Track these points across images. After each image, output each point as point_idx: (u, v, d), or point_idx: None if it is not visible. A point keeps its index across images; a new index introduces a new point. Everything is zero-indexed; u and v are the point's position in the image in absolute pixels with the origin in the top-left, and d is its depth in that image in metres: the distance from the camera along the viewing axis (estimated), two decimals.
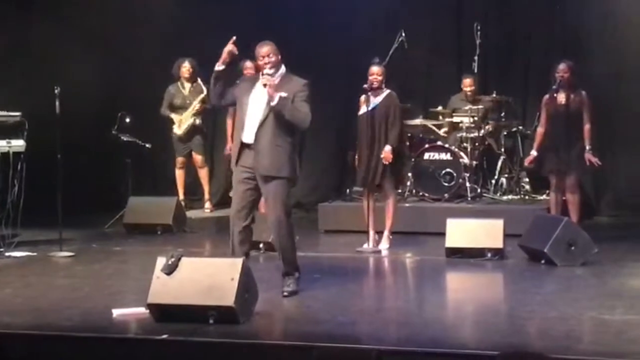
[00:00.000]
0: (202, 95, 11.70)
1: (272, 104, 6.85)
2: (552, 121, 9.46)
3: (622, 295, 7.02)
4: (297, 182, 7.27)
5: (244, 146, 6.99)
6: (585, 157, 9.28)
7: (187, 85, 11.89)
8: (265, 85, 6.88)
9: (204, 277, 6.17)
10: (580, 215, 9.49)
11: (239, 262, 6.25)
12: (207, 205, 12.16)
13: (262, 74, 6.95)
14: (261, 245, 8.75)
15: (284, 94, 6.87)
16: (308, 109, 6.96)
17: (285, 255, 7.07)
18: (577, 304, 6.75)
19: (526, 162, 9.86)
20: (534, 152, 9.63)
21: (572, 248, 8.26)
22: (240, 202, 7.03)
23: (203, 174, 12.11)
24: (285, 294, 7.01)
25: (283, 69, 7.08)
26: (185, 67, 11.82)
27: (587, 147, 9.29)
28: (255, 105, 6.98)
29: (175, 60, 11.86)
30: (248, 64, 10.45)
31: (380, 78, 9.08)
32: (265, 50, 6.99)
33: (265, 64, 6.97)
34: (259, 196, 7.11)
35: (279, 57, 7.04)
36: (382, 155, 8.96)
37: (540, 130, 9.61)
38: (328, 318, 6.45)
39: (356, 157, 9.34)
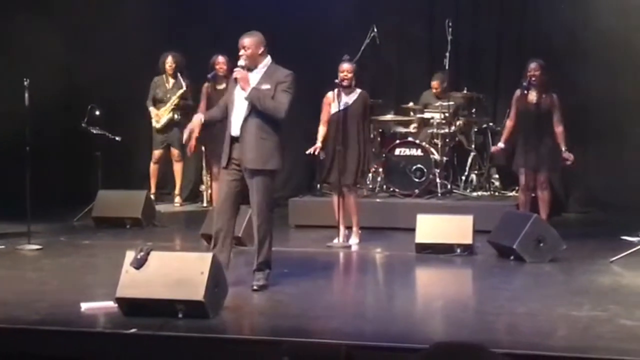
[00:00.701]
0: (181, 91, 11.67)
1: (244, 96, 6.89)
2: (522, 119, 9.53)
3: (590, 292, 7.07)
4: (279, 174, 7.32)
5: (232, 140, 7.05)
6: (560, 157, 9.34)
7: (171, 80, 11.86)
8: (236, 79, 6.92)
9: (173, 271, 6.14)
10: (550, 212, 9.57)
11: (208, 256, 6.23)
12: (177, 199, 12.13)
13: (239, 66, 6.99)
14: None
15: (266, 86, 6.92)
16: (286, 99, 6.97)
17: (261, 248, 7.06)
18: (545, 300, 6.79)
19: (492, 150, 9.91)
20: (501, 144, 9.70)
21: (541, 244, 8.30)
22: (225, 193, 7.07)
23: (178, 168, 12.08)
24: (255, 287, 7.00)
25: (268, 59, 7.08)
26: (168, 63, 11.80)
27: (564, 149, 9.35)
28: (239, 98, 7.01)
29: (153, 53, 11.83)
30: (220, 59, 10.45)
31: (350, 75, 9.09)
32: (244, 41, 7.01)
33: (240, 55, 6.99)
34: (244, 189, 7.14)
35: (262, 49, 7.04)
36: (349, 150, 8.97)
37: (509, 123, 9.69)
38: (298, 313, 6.45)
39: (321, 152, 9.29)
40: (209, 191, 11.41)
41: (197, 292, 5.99)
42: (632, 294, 6.99)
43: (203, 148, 11.07)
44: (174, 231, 10.58)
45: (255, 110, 6.92)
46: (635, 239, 8.98)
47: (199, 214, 10.73)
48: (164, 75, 11.90)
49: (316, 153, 9.24)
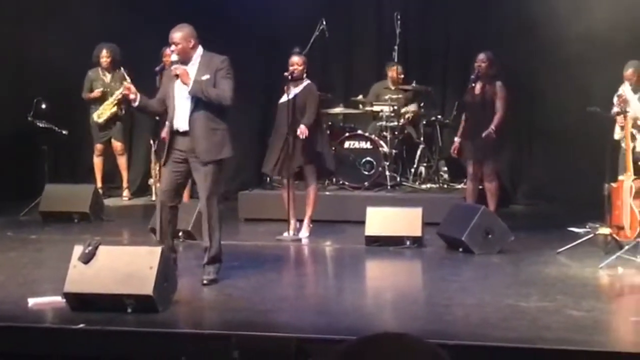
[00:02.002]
0: (124, 84, 11.49)
1: (188, 90, 6.88)
2: (468, 110, 9.62)
3: (537, 283, 7.15)
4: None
5: (174, 133, 7.03)
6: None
7: (108, 73, 11.67)
8: (176, 75, 6.88)
9: (122, 266, 6.10)
10: (498, 203, 9.65)
11: (157, 250, 6.20)
12: (125, 193, 12.01)
13: (172, 62, 6.96)
14: (180, 234, 8.70)
15: (205, 77, 6.90)
16: (229, 85, 6.98)
17: (212, 242, 7.04)
18: (493, 292, 6.85)
19: (452, 152, 9.96)
20: (456, 139, 9.77)
21: (489, 236, 8.38)
22: (168, 183, 7.06)
23: (122, 161, 11.94)
24: (205, 282, 6.97)
25: (200, 49, 7.05)
26: (103, 57, 11.61)
27: (492, 128, 9.40)
28: (181, 93, 6.98)
29: (96, 46, 11.67)
30: (168, 51, 10.32)
31: (300, 68, 9.07)
32: (174, 37, 6.97)
33: (172, 51, 7.00)
34: (186, 180, 7.20)
35: (192, 41, 7.00)
36: (297, 133, 8.92)
37: (464, 117, 9.78)
38: (247, 306, 6.43)
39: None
40: (158, 185, 11.32)
41: (146, 287, 5.96)
42: (579, 284, 7.08)
43: (151, 141, 10.98)
44: (122, 225, 10.49)
45: (200, 102, 6.91)
46: (581, 230, 9.10)
47: (148, 207, 10.65)
48: (99, 69, 11.70)
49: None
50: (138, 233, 9.47)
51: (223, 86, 6.95)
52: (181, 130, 6.99)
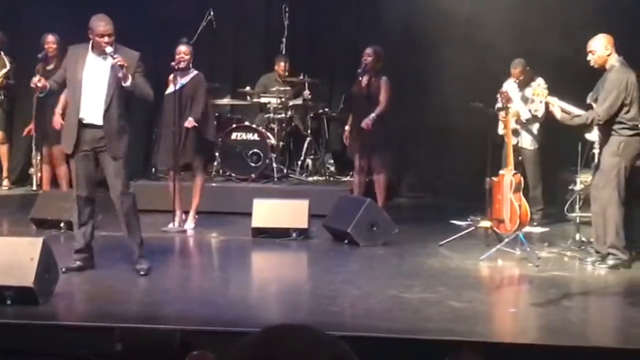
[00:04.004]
0: (4, 70, 11.17)
1: (126, 85, 6.76)
2: (354, 103, 9.70)
3: (420, 275, 7.27)
4: None
5: (82, 125, 6.89)
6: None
7: None
8: (122, 66, 6.71)
9: (2, 257, 5.96)
10: (387, 195, 9.75)
11: (38, 241, 6.07)
12: (5, 182, 11.68)
13: (111, 55, 6.75)
14: (62, 225, 8.54)
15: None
16: (147, 82, 7.03)
17: (132, 230, 7.08)
18: (378, 283, 6.95)
19: (344, 139, 10.01)
20: (347, 127, 9.83)
21: (374, 229, 8.48)
22: (85, 178, 6.98)
23: (3, 150, 11.60)
24: (143, 273, 6.96)
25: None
26: None
27: (373, 115, 9.48)
28: (93, 84, 6.86)
29: None
30: (50, 38, 10.09)
31: (187, 57, 9.00)
32: (109, 28, 6.83)
33: (107, 43, 6.81)
34: (97, 171, 7.13)
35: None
36: (185, 125, 8.87)
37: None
38: (131, 298, 6.36)
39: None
40: (39, 174, 11.03)
41: (27, 278, 5.83)
42: (460, 276, 7.23)
43: (32, 129, 10.70)
44: (2, 215, 10.18)
45: (116, 97, 6.82)
46: (463, 223, 9.29)
47: (29, 197, 10.38)
48: None
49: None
50: (18, 223, 9.23)
51: (146, 84, 7.01)
52: (91, 122, 6.88)
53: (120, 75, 6.73)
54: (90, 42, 6.91)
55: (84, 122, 6.88)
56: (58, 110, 9.56)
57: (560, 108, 7.66)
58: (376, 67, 9.60)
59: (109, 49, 6.77)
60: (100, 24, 6.83)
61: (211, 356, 4.13)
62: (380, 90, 9.57)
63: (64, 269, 6.76)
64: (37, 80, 6.94)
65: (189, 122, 8.85)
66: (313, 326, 2.04)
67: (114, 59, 6.72)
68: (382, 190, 9.68)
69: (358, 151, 9.69)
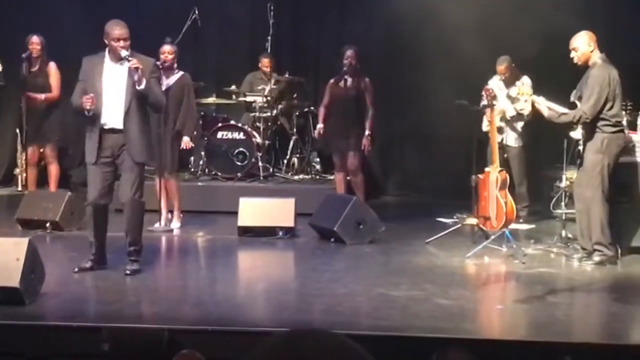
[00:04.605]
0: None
1: (140, 88, 6.78)
2: (336, 104, 9.67)
3: (407, 272, 7.28)
4: None
5: (104, 131, 6.90)
6: (362, 141, 9.52)
7: None
8: (137, 69, 6.72)
9: None
10: (366, 195, 9.74)
11: (24, 242, 6.06)
12: None
13: (127, 58, 6.76)
14: (48, 225, 8.52)
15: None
16: (161, 91, 7.15)
17: (134, 235, 7.07)
18: (365, 281, 6.96)
19: (315, 134, 10.03)
20: (320, 125, 9.79)
21: (361, 227, 8.48)
22: (99, 182, 6.97)
23: None
24: (128, 272, 6.97)
25: None
26: None
27: (367, 133, 9.51)
28: (113, 89, 6.88)
29: None
30: (34, 39, 10.03)
31: (172, 57, 8.99)
32: (125, 32, 6.86)
33: (122, 47, 6.82)
34: (114, 179, 7.12)
35: None
36: (182, 147, 9.00)
37: (322, 109, 9.80)
38: (118, 298, 6.34)
39: None
40: (24, 175, 10.99)
41: (12, 278, 5.82)
42: (447, 273, 7.25)
43: (18, 130, 10.66)
44: None
45: (136, 101, 6.85)
46: (449, 220, 9.32)
47: (14, 197, 10.36)
48: None
49: None
50: (4, 224, 9.19)
51: (159, 91, 7.07)
52: (112, 127, 6.90)
53: (135, 78, 6.75)
54: (107, 49, 6.94)
55: (105, 127, 6.90)
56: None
57: (547, 107, 7.68)
58: (357, 67, 9.60)
59: (124, 53, 6.79)
60: (116, 28, 6.86)
61: (199, 355, 4.13)
62: (365, 91, 9.56)
63: (76, 269, 6.88)
64: (90, 100, 6.76)
65: (185, 144, 8.97)
66: (339, 334, 2.07)
67: (129, 62, 6.74)
68: (361, 191, 9.58)
69: (337, 151, 9.69)
